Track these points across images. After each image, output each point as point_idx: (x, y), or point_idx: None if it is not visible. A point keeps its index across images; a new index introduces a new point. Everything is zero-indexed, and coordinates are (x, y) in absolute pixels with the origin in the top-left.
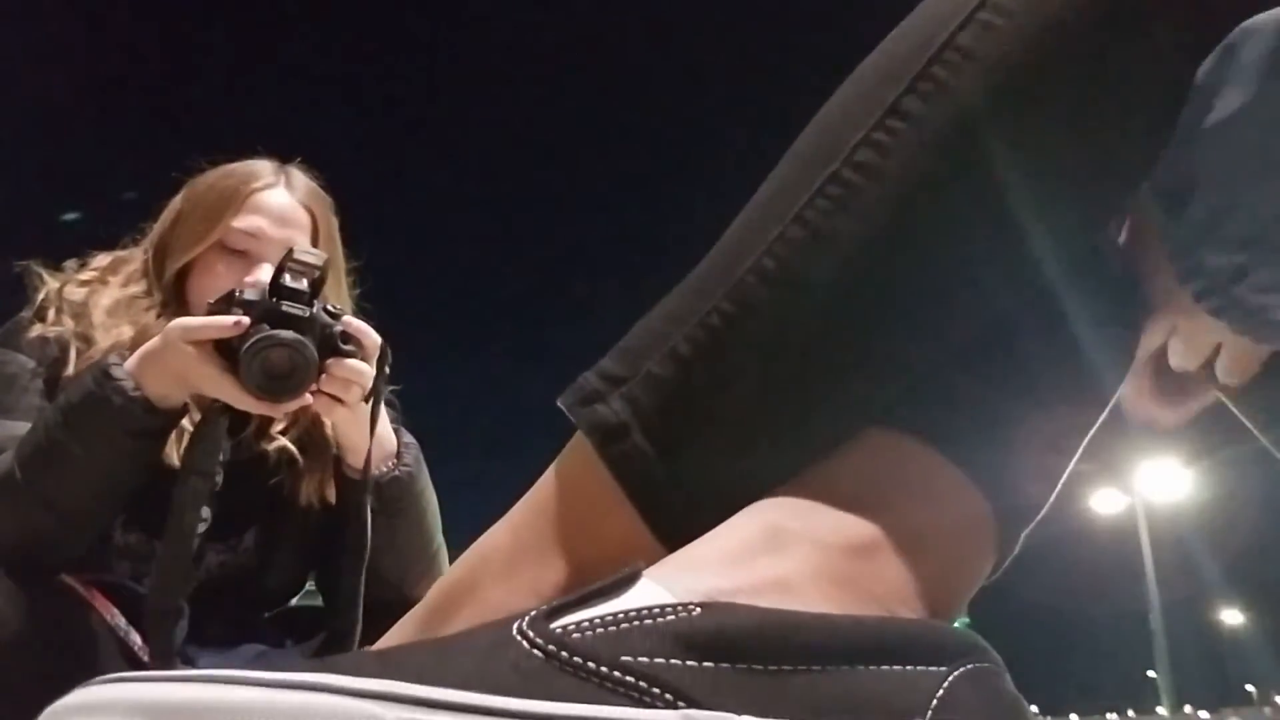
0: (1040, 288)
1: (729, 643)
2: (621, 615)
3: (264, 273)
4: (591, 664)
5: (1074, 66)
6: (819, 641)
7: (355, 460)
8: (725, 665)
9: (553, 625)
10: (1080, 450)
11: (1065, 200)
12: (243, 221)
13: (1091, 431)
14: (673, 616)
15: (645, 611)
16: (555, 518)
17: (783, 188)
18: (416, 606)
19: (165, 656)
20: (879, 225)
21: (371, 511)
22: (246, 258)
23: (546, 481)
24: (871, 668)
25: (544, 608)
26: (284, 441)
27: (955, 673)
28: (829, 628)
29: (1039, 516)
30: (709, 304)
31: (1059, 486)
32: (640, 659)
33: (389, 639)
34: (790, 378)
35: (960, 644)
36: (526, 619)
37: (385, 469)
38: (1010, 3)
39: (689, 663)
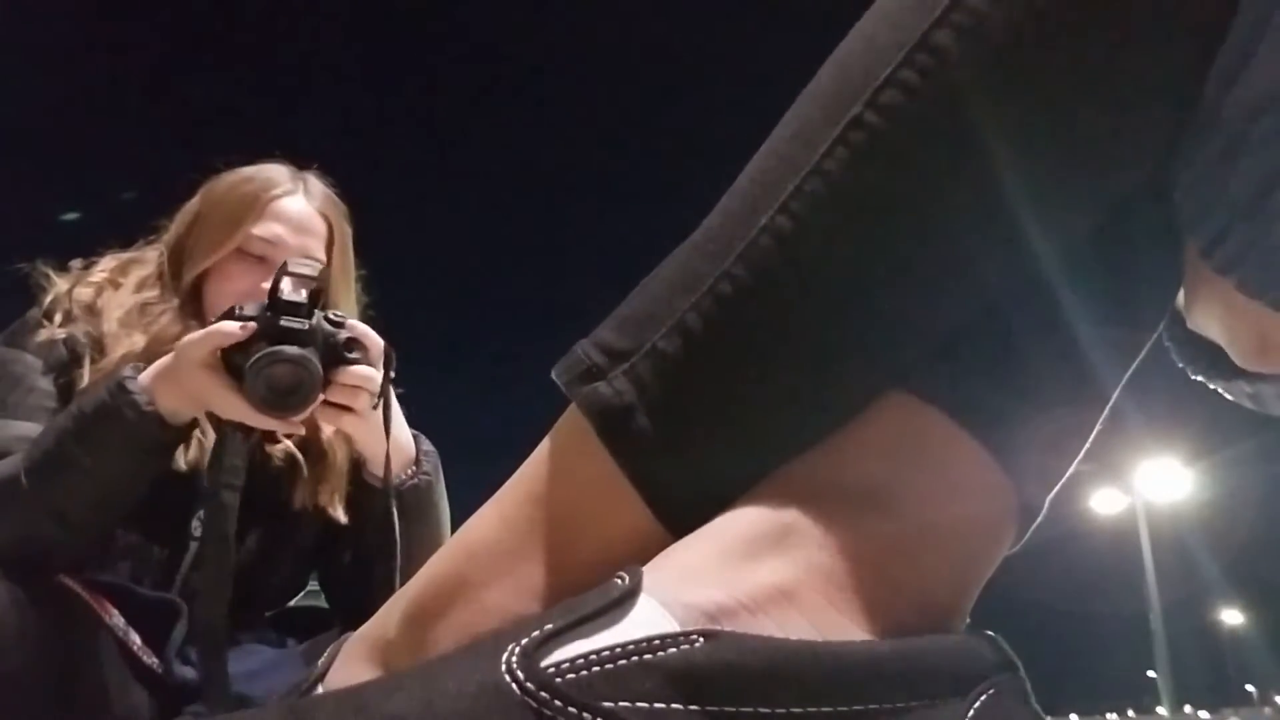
0: (1073, 243)
1: (731, 684)
2: (619, 650)
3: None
4: (587, 715)
5: (1112, 17)
6: (828, 679)
7: (377, 468)
8: (729, 709)
9: (544, 664)
10: (1089, 440)
11: (1099, 153)
12: (262, 229)
13: (1099, 422)
14: (673, 650)
15: (644, 644)
16: (550, 506)
17: (798, 133)
18: (401, 597)
19: (217, 678)
20: (905, 176)
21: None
22: (264, 264)
23: (538, 464)
24: (886, 707)
25: (536, 634)
26: (288, 445)
27: (976, 703)
28: (839, 660)
29: (1045, 507)
30: (719, 268)
31: (1061, 482)
32: (639, 704)
33: (372, 626)
34: (808, 351)
35: (980, 663)
36: (517, 652)
37: (405, 476)
38: None
39: (691, 708)
